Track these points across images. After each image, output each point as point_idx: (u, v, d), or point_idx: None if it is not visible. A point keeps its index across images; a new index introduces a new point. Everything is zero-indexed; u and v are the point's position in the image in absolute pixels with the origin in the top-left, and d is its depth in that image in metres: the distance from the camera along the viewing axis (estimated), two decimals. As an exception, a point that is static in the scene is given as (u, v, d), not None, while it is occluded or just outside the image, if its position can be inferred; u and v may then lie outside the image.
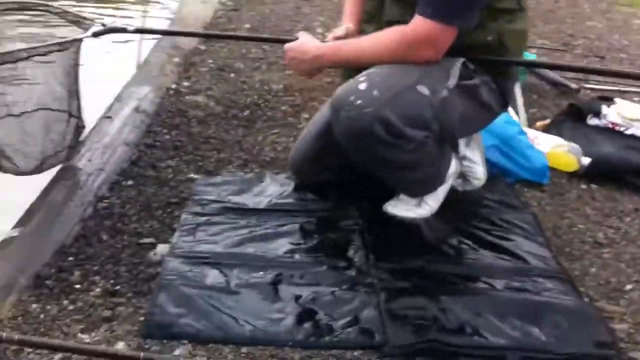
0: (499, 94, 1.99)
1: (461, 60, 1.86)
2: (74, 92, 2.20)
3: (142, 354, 1.32)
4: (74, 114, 2.24)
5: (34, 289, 1.75)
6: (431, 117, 1.79)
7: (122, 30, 2.17)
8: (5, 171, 2.08)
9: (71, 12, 2.22)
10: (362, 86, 1.76)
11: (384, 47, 1.82)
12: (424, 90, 1.78)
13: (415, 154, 1.84)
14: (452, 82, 1.83)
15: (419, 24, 1.76)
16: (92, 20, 2.19)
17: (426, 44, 1.78)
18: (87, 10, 5.38)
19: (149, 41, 3.69)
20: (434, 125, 1.81)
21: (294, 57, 1.97)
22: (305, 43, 1.95)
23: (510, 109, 2.85)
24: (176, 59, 3.50)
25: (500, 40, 1.86)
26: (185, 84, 3.22)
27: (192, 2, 4.79)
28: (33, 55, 2.00)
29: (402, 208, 2.08)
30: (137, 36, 3.44)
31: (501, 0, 1.84)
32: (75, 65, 2.16)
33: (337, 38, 2.04)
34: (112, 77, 3.29)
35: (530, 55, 3.45)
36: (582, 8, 5.84)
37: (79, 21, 2.17)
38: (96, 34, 2.12)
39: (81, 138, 2.33)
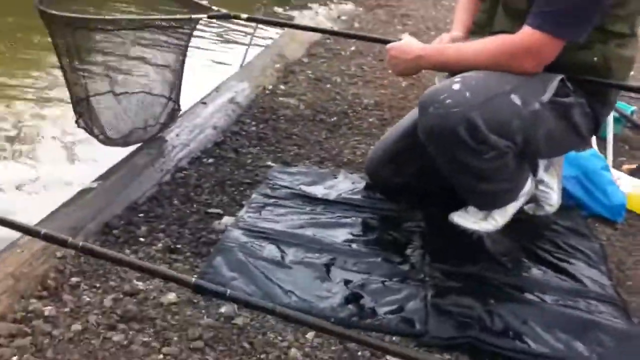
0: (591, 119, 1.93)
1: (560, 76, 1.82)
2: (177, 77, 2.34)
3: (193, 279, 1.38)
4: (173, 98, 2.38)
5: (101, 235, 1.87)
6: (518, 127, 1.77)
7: (236, 17, 2.27)
8: (98, 139, 2.23)
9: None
10: (456, 87, 1.76)
11: (488, 52, 1.82)
12: (516, 99, 1.76)
13: (494, 163, 1.82)
14: (547, 96, 1.80)
15: (527, 33, 1.75)
16: (210, 6, 2.31)
17: (530, 54, 1.76)
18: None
19: (257, 48, 3.87)
20: (518, 136, 1.78)
21: (396, 55, 1.98)
22: (410, 44, 1.97)
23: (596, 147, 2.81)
24: (278, 65, 3.64)
25: (606, 63, 1.83)
26: (282, 87, 3.35)
27: (305, 22, 4.99)
28: (151, 26, 2.13)
29: (468, 219, 2.06)
30: (247, 40, 3.63)
31: (614, 23, 1.80)
32: (186, 48, 2.28)
33: (442, 41, 2.08)
34: (216, 72, 3.47)
35: (628, 108, 3.37)
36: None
37: (199, 5, 2.30)
38: (211, 17, 2.25)
39: (175, 119, 2.46)
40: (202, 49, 4.69)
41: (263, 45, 4.28)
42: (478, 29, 2.05)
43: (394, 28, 5.91)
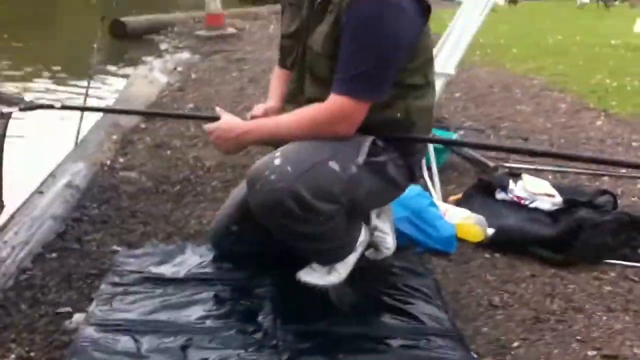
0: (405, 170, 2.12)
1: (370, 138, 1.99)
2: None
3: None
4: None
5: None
6: (340, 191, 1.92)
7: (50, 106, 2.26)
8: None
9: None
10: (277, 161, 1.88)
11: (303, 123, 1.95)
12: (334, 166, 1.91)
13: (325, 226, 1.96)
14: (361, 159, 1.96)
15: (333, 100, 1.90)
16: (21, 97, 2.30)
17: (340, 119, 1.92)
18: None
19: (90, 119, 3.82)
20: (342, 199, 1.93)
21: (220, 135, 2.06)
22: (229, 122, 2.07)
23: (428, 182, 3.06)
24: (115, 137, 3.63)
25: (409, 117, 2.01)
26: (121, 160, 3.36)
27: (139, 82, 4.98)
28: None
29: (314, 275, 2.18)
30: (77, 114, 3.58)
31: (410, 76, 1.98)
32: (2, 137, 2.23)
33: (255, 116, 2.20)
34: (50, 154, 3.40)
35: (451, 134, 3.69)
36: (513, 92, 6.20)
37: (9, 99, 2.27)
38: (23, 109, 2.22)
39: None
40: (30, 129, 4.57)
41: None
42: (291, 97, 2.17)
43: (231, 75, 6.05)
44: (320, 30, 1.96)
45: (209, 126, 2.10)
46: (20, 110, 2.22)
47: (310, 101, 2.01)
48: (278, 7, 9.66)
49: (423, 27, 1.96)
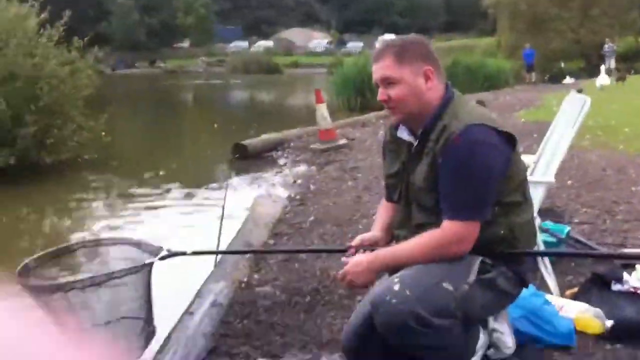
0: (515, 280, 2.32)
1: (479, 258, 2.23)
2: (147, 304, 2.53)
3: None
4: (147, 321, 2.58)
5: None
6: (455, 307, 2.15)
7: (182, 253, 2.58)
8: None
9: (144, 241, 2.64)
10: (396, 287, 2.14)
11: (421, 250, 2.20)
12: (448, 286, 2.15)
13: (444, 338, 2.17)
14: (472, 278, 2.19)
15: (447, 226, 2.17)
16: (160, 247, 2.59)
17: (456, 241, 2.18)
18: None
19: (226, 240, 4.23)
20: (458, 313, 2.16)
21: (353, 272, 2.29)
22: (354, 259, 2.31)
23: (545, 275, 3.17)
24: (247, 255, 4.01)
25: (512, 232, 2.24)
26: (256, 276, 3.71)
27: (263, 202, 5.43)
28: (112, 279, 2.35)
29: (441, 380, 2.36)
30: (215, 237, 4.02)
31: (508, 195, 2.23)
32: (149, 283, 2.50)
33: (363, 240, 2.45)
34: (194, 274, 3.81)
35: (563, 228, 3.79)
36: (628, 174, 6.15)
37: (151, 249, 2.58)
38: (162, 258, 2.53)
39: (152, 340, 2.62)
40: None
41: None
42: (400, 225, 2.42)
43: (346, 185, 6.41)
44: (419, 170, 2.26)
45: (341, 273, 2.34)
46: (160, 259, 2.54)
47: (419, 226, 2.29)
48: (383, 112, 10.16)
49: (512, 154, 2.23)
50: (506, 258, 2.26)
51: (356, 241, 2.44)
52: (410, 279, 2.15)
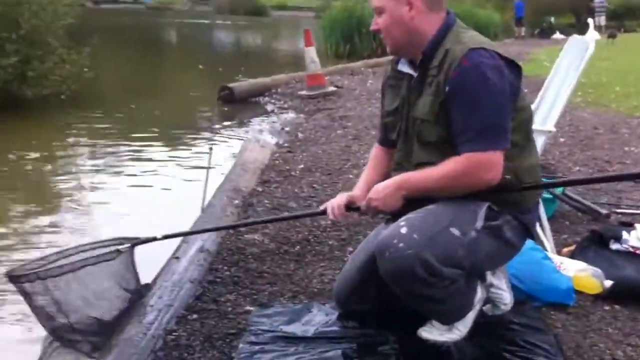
0: (521, 230, 2.24)
1: (486, 204, 2.13)
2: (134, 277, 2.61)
3: None
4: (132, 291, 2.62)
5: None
6: (463, 256, 2.06)
7: (153, 239, 2.59)
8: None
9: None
10: (404, 230, 2.04)
11: (451, 174, 2.07)
12: (455, 231, 2.06)
13: (448, 289, 2.09)
14: (480, 223, 2.10)
15: (469, 157, 2.04)
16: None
17: (482, 169, 2.04)
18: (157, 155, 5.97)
19: (213, 184, 4.11)
20: (465, 263, 2.07)
21: (378, 197, 2.19)
22: (377, 185, 2.20)
23: (541, 234, 3.11)
24: (236, 201, 3.90)
25: (518, 177, 2.13)
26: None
27: (252, 147, 5.30)
28: (85, 266, 2.43)
29: (434, 333, 2.30)
30: (202, 179, 3.90)
31: (512, 133, 2.10)
32: (132, 262, 2.57)
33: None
34: (180, 218, 3.71)
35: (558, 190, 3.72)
36: (620, 133, 6.10)
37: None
38: (133, 245, 2.55)
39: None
40: (163, 189, 4.97)
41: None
42: (398, 165, 2.31)
43: (335, 133, 6.29)
44: (422, 102, 2.16)
45: (365, 202, 2.23)
46: (132, 246, 2.54)
47: (419, 165, 2.18)
48: (372, 61, 10.03)
49: (519, 83, 2.13)
50: (513, 207, 2.17)
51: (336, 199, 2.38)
52: (418, 222, 2.05)
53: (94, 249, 2.54)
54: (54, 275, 2.44)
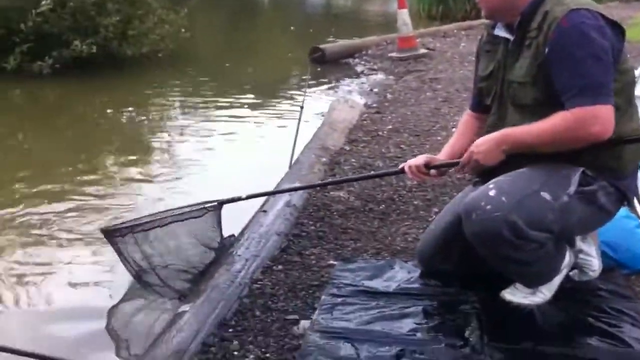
0: (616, 196, 2.17)
1: (580, 169, 2.08)
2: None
3: None
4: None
5: (201, 354, 2.15)
6: (552, 220, 2.02)
7: (238, 199, 2.74)
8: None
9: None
10: (492, 192, 2.03)
11: (557, 128, 2.00)
12: (546, 196, 2.02)
13: (536, 253, 2.06)
14: (573, 189, 2.05)
15: (575, 111, 1.97)
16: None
17: (590, 122, 1.96)
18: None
19: (302, 142, 4.18)
20: (554, 227, 2.03)
21: (480, 150, 2.15)
22: (478, 140, 2.17)
23: (636, 204, 2.99)
24: (324, 159, 3.96)
25: (619, 138, 2.05)
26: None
27: (340, 107, 5.32)
28: (174, 222, 2.69)
29: (518, 295, 2.28)
30: (292, 134, 3.98)
31: (614, 96, 2.02)
32: (218, 221, 2.74)
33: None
34: (268, 174, 3.80)
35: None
36: None
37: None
38: (221, 204, 2.71)
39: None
40: (252, 145, 5.09)
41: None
42: (491, 127, 2.27)
43: (425, 95, 6.21)
44: (519, 65, 2.13)
45: (465, 156, 2.20)
46: (219, 204, 2.71)
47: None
48: (465, 23, 9.72)
49: (622, 46, 2.05)
50: (609, 173, 2.10)
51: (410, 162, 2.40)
52: (507, 185, 2.03)
53: (183, 213, 2.72)
54: (145, 229, 2.66)
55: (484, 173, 2.24)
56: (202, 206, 2.71)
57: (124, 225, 2.77)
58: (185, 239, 2.72)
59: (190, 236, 2.72)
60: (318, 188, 3.49)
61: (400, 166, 2.47)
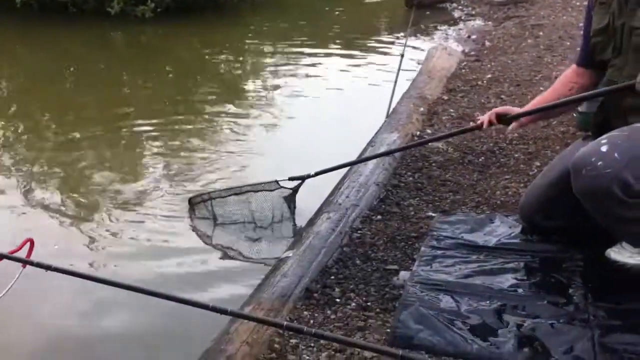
0: None
1: None
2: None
3: (400, 352, 1.64)
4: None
5: (305, 299, 2.22)
6: None
7: (307, 176, 2.87)
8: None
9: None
10: (604, 148, 1.97)
11: None
12: None
13: None
14: None
15: None
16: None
17: None
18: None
19: (399, 90, 4.16)
20: None
21: None
22: None
23: None
24: (422, 109, 3.92)
25: None
26: (428, 131, 3.63)
27: (438, 54, 5.22)
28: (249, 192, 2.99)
29: (624, 254, 2.23)
30: (389, 86, 3.96)
31: None
32: (294, 193, 2.93)
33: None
34: (365, 124, 3.81)
35: None
36: None
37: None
38: (292, 179, 2.91)
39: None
40: (349, 93, 5.10)
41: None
42: (609, 82, 2.21)
43: (526, 43, 6.00)
44: None
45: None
46: (290, 179, 2.91)
47: (631, 77, 2.04)
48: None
49: None
50: None
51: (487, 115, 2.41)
52: (620, 141, 1.97)
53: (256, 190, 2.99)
54: (221, 196, 2.98)
55: (596, 126, 2.18)
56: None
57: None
58: (256, 208, 3.01)
59: (264, 206, 3.00)
60: (416, 138, 3.48)
61: (479, 120, 2.47)
